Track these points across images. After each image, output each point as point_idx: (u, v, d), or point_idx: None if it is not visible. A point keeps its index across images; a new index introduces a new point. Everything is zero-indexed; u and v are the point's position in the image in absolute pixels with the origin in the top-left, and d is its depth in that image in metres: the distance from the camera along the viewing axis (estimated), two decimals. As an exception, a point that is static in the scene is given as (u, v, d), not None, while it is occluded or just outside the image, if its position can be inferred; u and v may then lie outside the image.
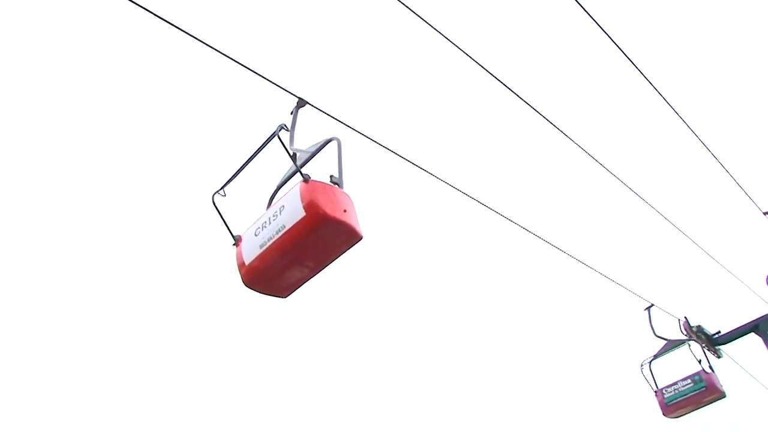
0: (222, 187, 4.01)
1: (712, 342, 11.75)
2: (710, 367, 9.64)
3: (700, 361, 9.58)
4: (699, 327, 11.48)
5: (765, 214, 8.61)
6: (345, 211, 3.57)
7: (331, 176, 3.69)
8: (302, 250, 3.63)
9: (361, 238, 3.64)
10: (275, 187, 4.24)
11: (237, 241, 3.90)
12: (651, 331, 10.20)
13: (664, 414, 9.75)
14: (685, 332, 10.74)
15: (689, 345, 9.97)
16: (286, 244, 3.58)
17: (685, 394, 9.54)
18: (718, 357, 10.70)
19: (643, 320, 10.32)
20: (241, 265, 3.81)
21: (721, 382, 9.51)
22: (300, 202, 3.51)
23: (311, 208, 3.48)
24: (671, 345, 10.14)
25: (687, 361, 9.77)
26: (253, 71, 3.92)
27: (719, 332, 12.11)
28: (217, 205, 3.96)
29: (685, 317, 11.06)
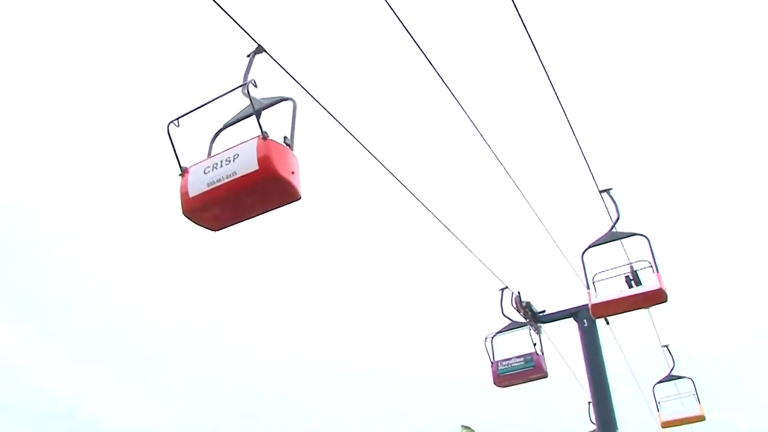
0: (178, 118, 4.44)
1: (537, 319, 13.20)
2: (541, 350, 11.46)
3: (534, 345, 11.40)
4: (528, 303, 12.82)
5: (601, 192, 9.17)
6: (293, 172, 4.16)
7: (285, 137, 4.26)
8: (245, 198, 4.21)
9: (300, 198, 4.27)
10: (222, 125, 4.75)
11: (184, 171, 4.38)
12: (500, 310, 11.86)
13: (494, 383, 11.47)
14: (515, 305, 12.25)
15: (529, 329, 11.77)
16: (233, 190, 4.13)
17: (516, 370, 11.32)
18: (538, 333, 12.58)
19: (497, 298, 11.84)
20: (184, 194, 4.32)
21: (547, 365, 11.43)
22: (255, 156, 4.06)
23: (264, 164, 4.03)
24: (514, 325, 11.86)
25: (524, 342, 11.47)
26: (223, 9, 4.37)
27: (544, 311, 13.53)
28: (170, 134, 4.41)
29: (519, 292, 12.47)
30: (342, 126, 5.39)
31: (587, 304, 13.65)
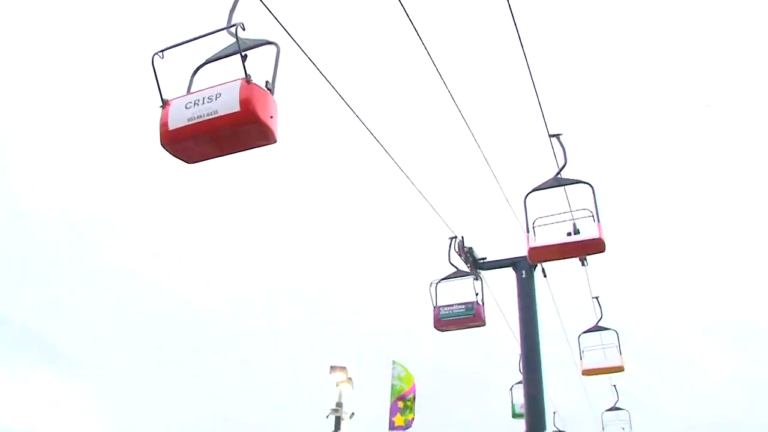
0: (162, 50, 4.60)
1: (477, 266, 13.63)
2: (482, 300, 12.10)
3: (476, 294, 12.02)
4: (470, 249, 13.30)
5: (551, 136, 9.17)
6: (272, 117, 4.41)
7: (267, 81, 4.48)
8: (224, 137, 4.45)
9: (276, 142, 4.53)
10: (204, 60, 4.92)
11: (165, 103, 4.56)
12: (447, 258, 12.47)
13: (435, 326, 12.11)
14: (457, 250, 12.73)
15: (473, 279, 12.41)
16: (213, 128, 4.36)
17: (456, 316, 11.91)
18: (477, 279, 13.24)
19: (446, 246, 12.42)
20: (163, 125, 4.51)
21: (486, 315, 12.13)
22: (237, 97, 4.28)
23: (246, 106, 4.26)
24: (459, 274, 12.45)
25: (467, 291, 12.09)
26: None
27: (485, 258, 13.98)
28: (154, 65, 4.57)
29: (462, 237, 12.92)
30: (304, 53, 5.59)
31: (526, 256, 14.46)
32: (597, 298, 15.79)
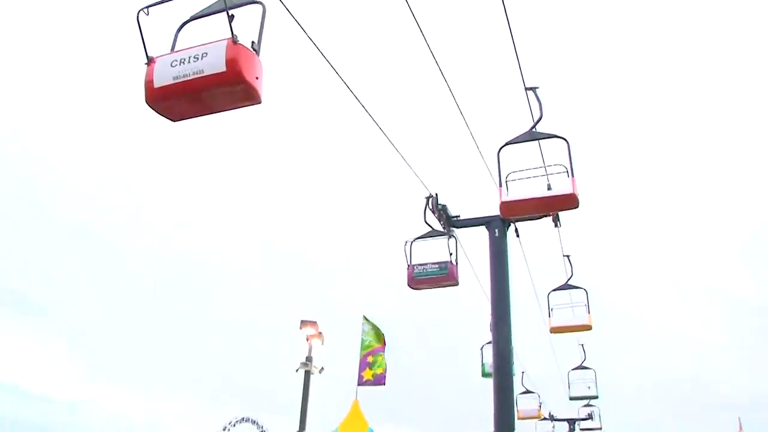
0: (147, 7, 4.61)
1: (450, 223, 13.85)
2: (456, 260, 12.32)
3: (450, 254, 12.25)
4: (444, 207, 13.33)
5: (528, 89, 9.06)
6: (257, 78, 4.48)
7: (252, 42, 4.53)
8: (208, 96, 4.53)
9: (260, 102, 4.60)
10: (189, 17, 4.94)
11: (150, 61, 4.59)
12: (423, 217, 12.65)
13: (408, 285, 12.35)
14: (430, 207, 12.76)
15: (448, 238, 12.62)
16: (198, 87, 4.44)
17: (430, 275, 12.12)
18: (450, 237, 13.48)
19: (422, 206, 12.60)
20: (149, 83, 4.56)
21: (459, 275, 12.40)
22: (224, 58, 4.34)
23: (232, 66, 4.33)
24: (434, 234, 12.66)
25: (441, 250, 12.32)
26: None
27: (458, 216, 13.99)
28: (140, 22, 4.58)
29: (436, 194, 12.95)
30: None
31: (499, 215, 14.65)
32: (568, 256, 15.94)
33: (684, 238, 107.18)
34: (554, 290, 15.89)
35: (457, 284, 12.51)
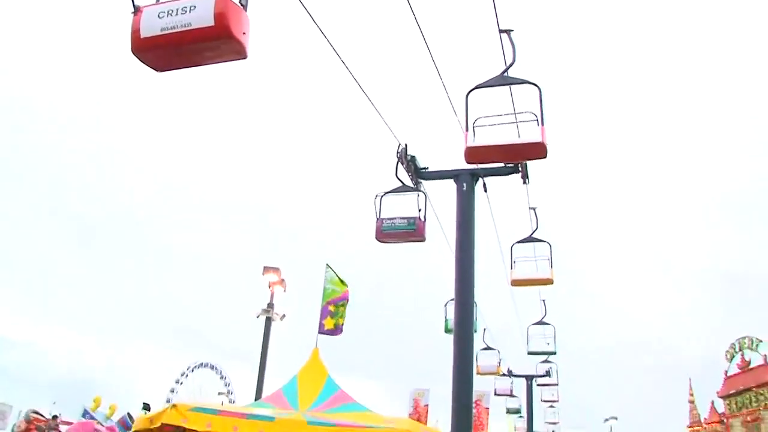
0: None
1: (419, 175, 13.81)
2: (425, 217, 12.63)
3: (419, 210, 12.55)
4: (413, 157, 13.52)
5: (501, 32, 8.87)
6: (244, 33, 4.59)
7: None
8: (196, 49, 4.65)
9: (246, 57, 4.74)
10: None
11: (137, 10, 4.68)
12: (395, 172, 12.90)
13: (376, 238, 12.66)
14: (399, 157, 12.95)
15: (417, 195, 12.91)
16: (185, 40, 4.54)
17: (398, 229, 12.43)
18: (417, 189, 13.78)
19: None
20: (135, 32, 4.65)
21: (427, 231, 12.74)
22: (212, 12, 4.44)
23: (220, 21, 4.44)
24: (404, 188, 12.94)
25: (411, 207, 12.61)
26: None
27: (427, 168, 14.09)
28: None
29: (405, 144, 13.10)
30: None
31: (468, 169, 14.92)
32: (534, 209, 15.96)
33: (649, 203, 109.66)
34: (518, 242, 15.81)
35: (424, 240, 12.82)
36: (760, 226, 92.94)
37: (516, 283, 15.77)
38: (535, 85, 8.51)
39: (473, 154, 8.96)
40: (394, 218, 12.50)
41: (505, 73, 8.83)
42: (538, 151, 8.61)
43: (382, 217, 12.56)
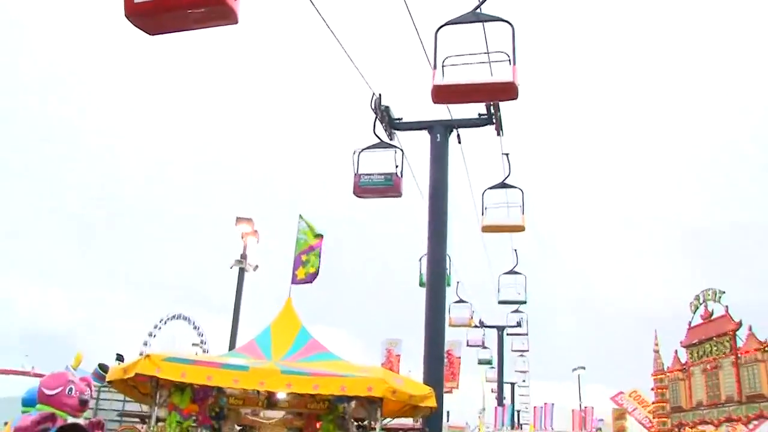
0: None
1: (392, 125, 14.22)
2: (401, 173, 12.78)
3: (397, 166, 12.65)
4: (387, 108, 13.87)
5: None
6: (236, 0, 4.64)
7: None
8: (188, 14, 4.69)
9: (236, 23, 4.79)
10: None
11: None
12: (372, 128, 12.98)
13: (354, 193, 12.83)
14: (373, 107, 13.29)
15: (395, 151, 12.99)
16: (179, 5, 4.61)
17: (375, 185, 12.65)
18: (390, 138, 13.84)
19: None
20: None
21: (403, 188, 12.86)
22: None
23: None
24: (382, 145, 13.05)
25: (388, 162, 12.72)
26: None
27: (401, 119, 14.51)
28: None
29: (380, 95, 13.40)
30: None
31: (442, 120, 14.89)
32: (507, 155, 15.68)
33: (619, 159, 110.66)
34: (489, 188, 15.55)
35: (400, 196, 13.05)
36: (723, 184, 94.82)
37: (487, 229, 15.52)
38: (508, 22, 8.22)
39: (440, 93, 8.52)
40: (372, 174, 12.71)
41: (478, 9, 8.51)
42: (508, 91, 8.33)
43: (360, 172, 12.78)
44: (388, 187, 12.65)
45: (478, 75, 8.49)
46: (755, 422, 20.75)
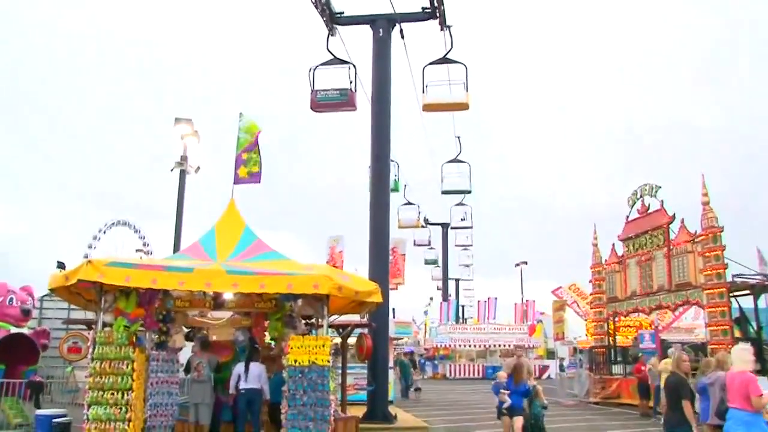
0: None
1: (333, 20, 14.28)
2: (355, 88, 13.23)
3: (351, 83, 13.14)
4: (327, 1, 14.11)
5: None
6: None
7: None
8: None
9: None
10: None
11: None
12: (326, 45, 13.34)
13: (311, 108, 13.21)
14: (313, 2, 13.47)
15: (349, 67, 13.46)
16: None
17: (331, 100, 13.17)
18: (348, 62, 13.86)
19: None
20: None
21: (357, 102, 13.50)
22: None
23: None
24: (336, 62, 13.55)
25: (344, 78, 13.30)
26: None
27: (342, 13, 14.55)
28: None
29: None
30: None
31: (384, 14, 14.54)
32: (449, 27, 14.85)
33: (565, 56, 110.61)
34: (430, 64, 14.75)
35: (355, 109, 13.56)
36: (665, 87, 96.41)
37: (428, 107, 14.69)
38: None
39: None
40: (328, 90, 13.17)
41: None
42: None
43: (316, 88, 13.22)
44: (343, 101, 13.25)
45: None
46: (681, 308, 22.07)
